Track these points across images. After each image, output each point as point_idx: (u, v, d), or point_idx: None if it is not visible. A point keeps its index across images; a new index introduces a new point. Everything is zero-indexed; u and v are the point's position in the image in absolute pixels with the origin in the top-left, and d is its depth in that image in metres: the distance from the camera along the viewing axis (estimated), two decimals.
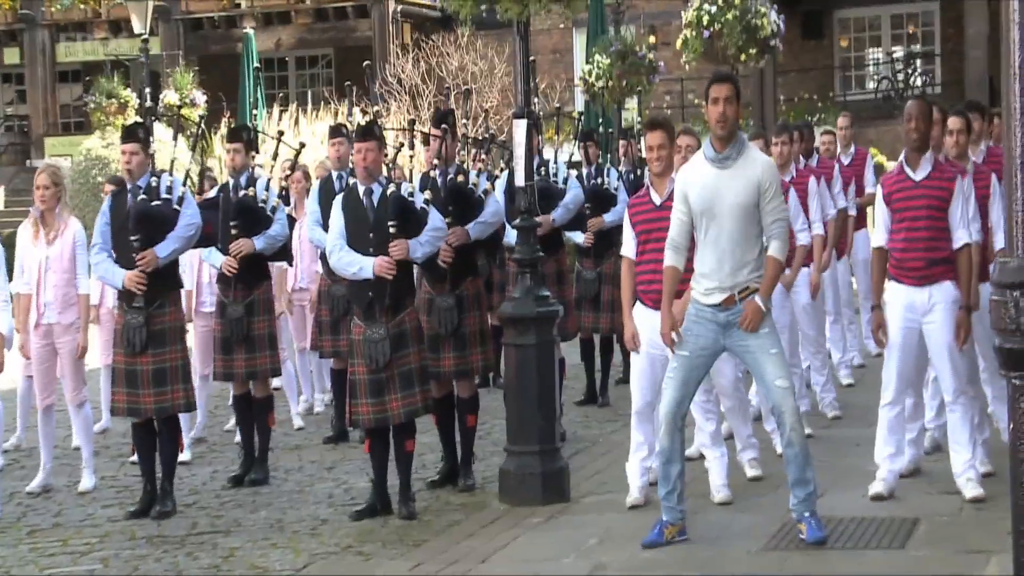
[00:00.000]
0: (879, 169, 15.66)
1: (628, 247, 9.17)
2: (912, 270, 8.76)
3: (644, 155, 9.50)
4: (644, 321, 8.92)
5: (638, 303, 9.06)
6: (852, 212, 13.72)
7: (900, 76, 31.27)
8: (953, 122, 9.58)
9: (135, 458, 11.45)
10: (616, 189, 13.41)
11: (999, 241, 9.32)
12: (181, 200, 10.01)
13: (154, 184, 9.96)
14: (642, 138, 10.05)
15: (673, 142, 9.03)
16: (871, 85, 31.83)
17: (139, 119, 13.10)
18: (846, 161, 14.18)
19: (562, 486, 9.56)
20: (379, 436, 9.50)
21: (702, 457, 9.57)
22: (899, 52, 31.86)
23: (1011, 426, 1.36)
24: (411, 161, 10.56)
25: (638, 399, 9.16)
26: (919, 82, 30.96)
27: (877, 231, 9.06)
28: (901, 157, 9.00)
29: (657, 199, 8.96)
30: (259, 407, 10.99)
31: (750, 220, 7.84)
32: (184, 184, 10.42)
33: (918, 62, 31.49)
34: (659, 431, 8.20)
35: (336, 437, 12.15)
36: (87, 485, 10.72)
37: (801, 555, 7.81)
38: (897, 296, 8.86)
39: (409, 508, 9.44)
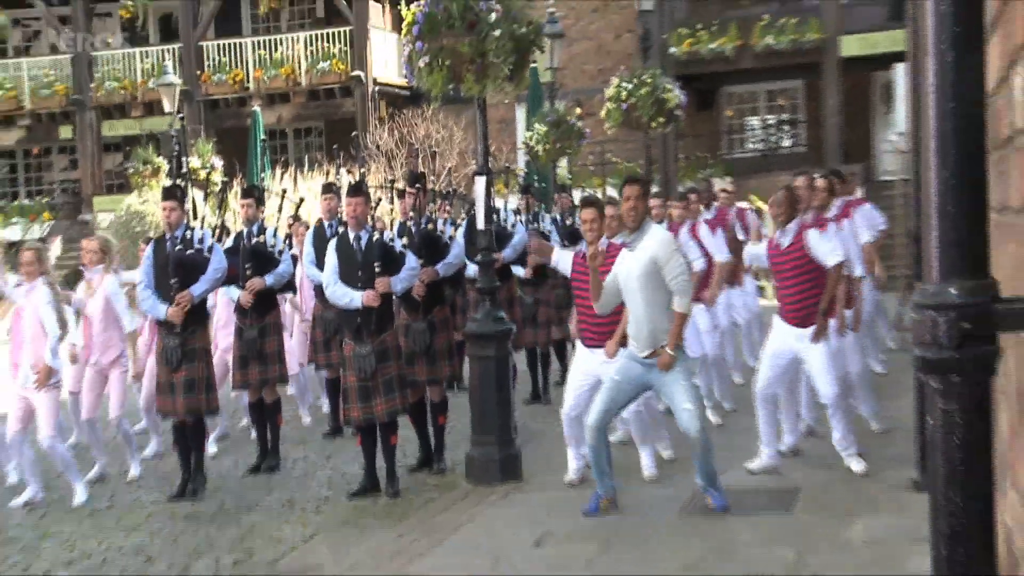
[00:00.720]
0: (759, 212, 15.70)
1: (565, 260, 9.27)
2: (790, 314, 8.88)
3: (580, 227, 9.35)
4: (582, 359, 9.02)
5: (579, 343, 9.12)
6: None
7: (773, 138, 31.51)
8: (821, 183, 9.79)
9: (147, 452, 11.42)
10: (549, 232, 13.47)
11: (857, 270, 9.57)
12: (211, 249, 9.98)
13: (188, 236, 9.92)
14: (569, 198, 10.03)
15: (603, 217, 8.94)
16: (751, 145, 32.01)
17: (175, 181, 12.94)
18: (732, 211, 14.22)
19: (516, 469, 9.56)
20: (368, 432, 9.48)
21: (630, 442, 9.59)
22: (772, 120, 32.08)
23: (931, 423, 1.38)
24: (390, 212, 10.53)
25: (568, 407, 9.10)
26: (788, 143, 31.18)
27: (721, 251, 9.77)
28: (776, 233, 9.09)
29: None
30: (270, 410, 10.93)
31: (655, 287, 7.88)
32: (212, 236, 10.39)
33: (786, 127, 31.73)
34: (589, 432, 8.20)
35: (332, 432, 12.07)
36: (134, 473, 10.64)
37: (709, 520, 7.86)
38: (779, 327, 8.98)
39: (395, 488, 9.41)
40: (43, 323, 9.81)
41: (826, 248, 8.71)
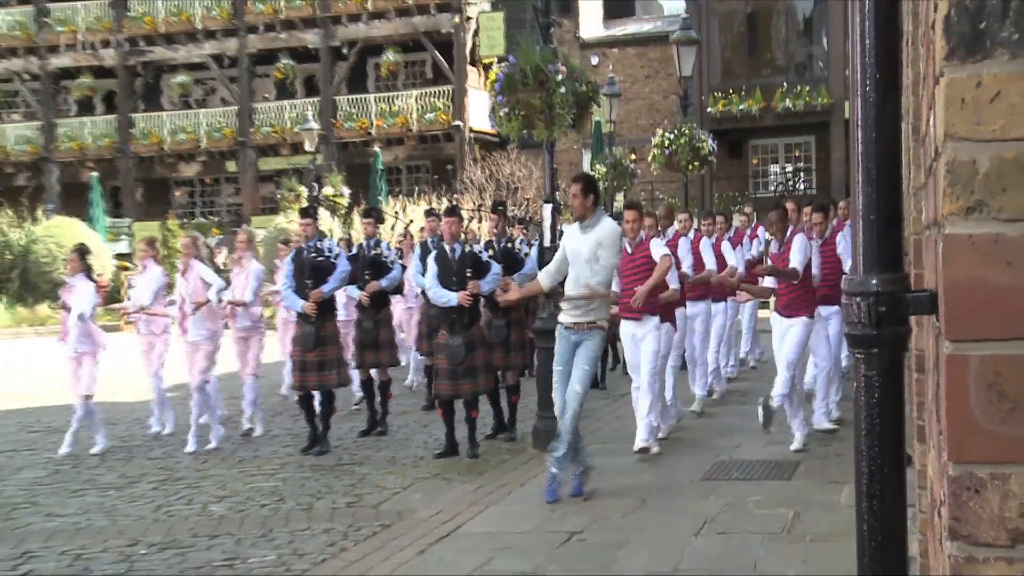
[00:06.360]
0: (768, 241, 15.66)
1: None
2: (783, 308, 8.81)
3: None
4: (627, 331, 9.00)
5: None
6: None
7: (790, 183, 31.18)
8: (816, 217, 9.52)
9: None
10: None
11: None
12: (337, 256, 10.13)
13: (319, 246, 10.08)
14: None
15: (642, 218, 8.95)
16: (772, 188, 31.70)
17: (310, 204, 13.14)
18: (748, 232, 14.15)
19: None
20: (449, 405, 9.51)
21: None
22: (790, 168, 31.76)
23: (855, 386, 1.42)
24: (477, 232, 10.59)
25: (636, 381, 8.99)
26: (802, 186, 30.81)
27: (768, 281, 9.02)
28: (773, 242, 9.04)
29: (629, 248, 8.87)
30: (382, 387, 11.01)
31: (595, 264, 7.45)
32: (338, 245, 10.55)
33: (801, 174, 31.39)
34: (566, 417, 7.43)
35: (429, 406, 12.12)
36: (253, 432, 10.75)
37: (727, 484, 7.77)
38: (775, 323, 8.89)
39: (475, 451, 9.46)
40: (204, 280, 10.38)
41: (797, 256, 8.67)
